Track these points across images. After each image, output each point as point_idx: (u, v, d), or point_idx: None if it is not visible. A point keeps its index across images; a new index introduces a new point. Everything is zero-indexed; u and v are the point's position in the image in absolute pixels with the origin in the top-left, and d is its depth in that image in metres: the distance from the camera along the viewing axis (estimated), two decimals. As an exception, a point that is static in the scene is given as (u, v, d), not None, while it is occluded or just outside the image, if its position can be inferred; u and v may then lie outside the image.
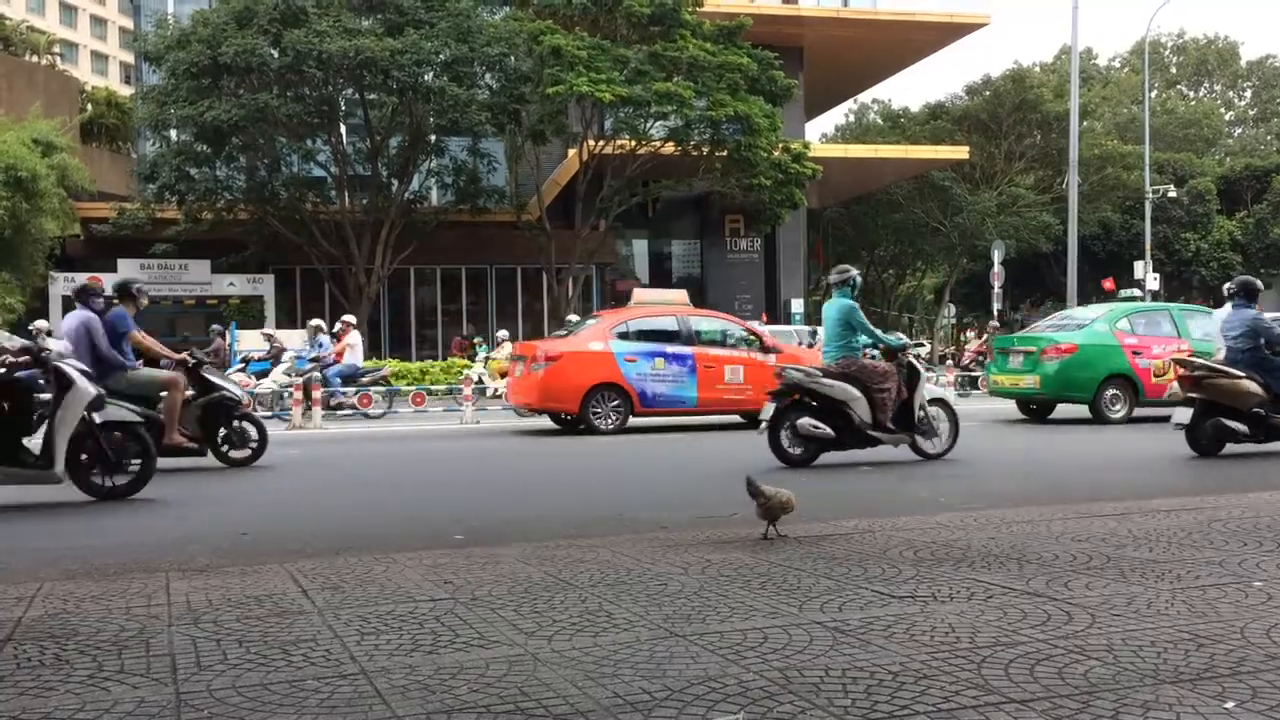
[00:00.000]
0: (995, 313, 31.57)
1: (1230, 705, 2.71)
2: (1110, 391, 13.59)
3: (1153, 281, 34.18)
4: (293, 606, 4.03)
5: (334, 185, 26.99)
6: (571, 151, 27.22)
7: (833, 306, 9.49)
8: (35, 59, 44.78)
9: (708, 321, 14.37)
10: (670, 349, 13.30)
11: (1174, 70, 64.62)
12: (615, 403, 13.00)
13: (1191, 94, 63.75)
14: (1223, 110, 63.09)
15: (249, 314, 28.10)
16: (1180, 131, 53.15)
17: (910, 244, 45.00)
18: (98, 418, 7.51)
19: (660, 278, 35.35)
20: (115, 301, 9.39)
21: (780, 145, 26.01)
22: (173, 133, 25.91)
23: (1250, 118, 64.93)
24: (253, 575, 4.65)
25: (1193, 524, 5.42)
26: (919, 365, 9.74)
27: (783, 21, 31.00)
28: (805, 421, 9.04)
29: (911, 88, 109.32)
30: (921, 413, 9.46)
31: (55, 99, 33.40)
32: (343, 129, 26.76)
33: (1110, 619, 3.57)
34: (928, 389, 9.69)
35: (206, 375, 9.56)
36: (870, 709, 2.73)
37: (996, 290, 29.98)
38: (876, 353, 9.56)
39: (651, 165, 26.51)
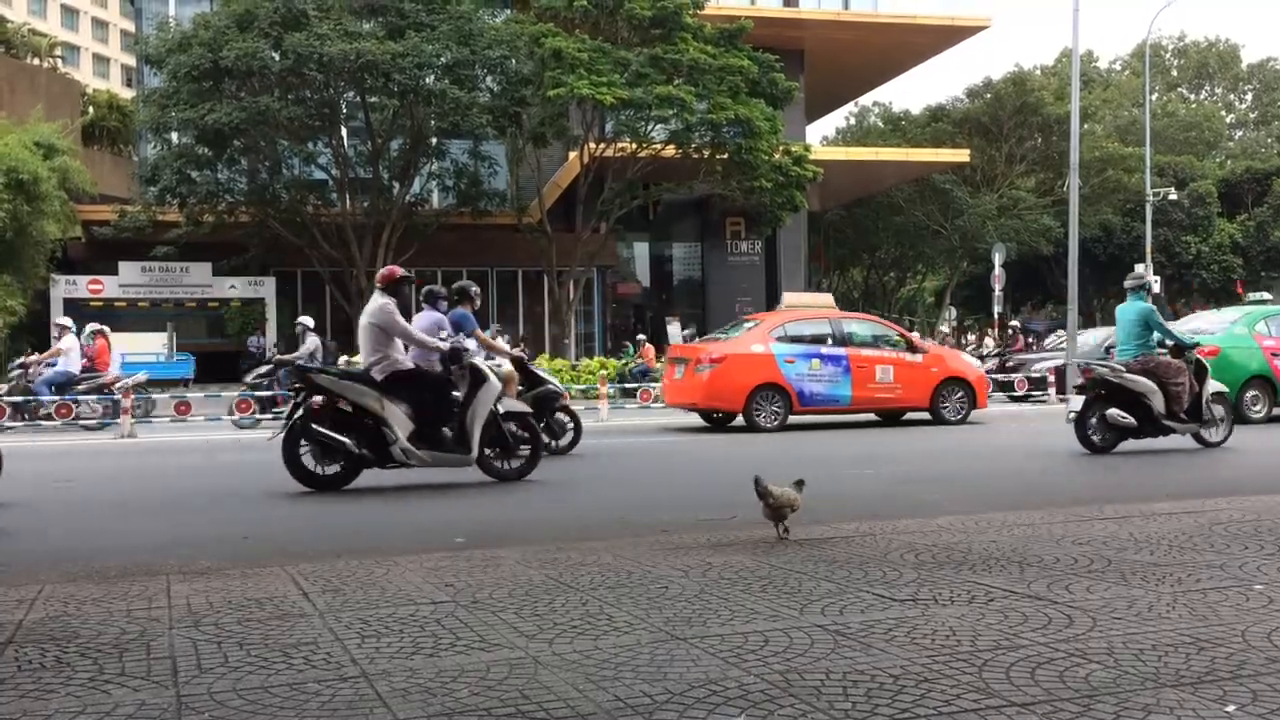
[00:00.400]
0: (997, 315, 31.54)
1: (1231, 709, 2.71)
2: (1251, 392, 13.96)
3: (1154, 284, 34.14)
4: (294, 609, 4.03)
5: (335, 188, 27.01)
6: (572, 154, 27.24)
7: (1130, 309, 10.42)
8: (37, 62, 44.77)
9: (858, 324, 15.21)
10: (825, 350, 13.93)
11: (1175, 73, 64.66)
12: (776, 402, 13.52)
13: (1192, 97, 63.79)
14: (1223, 113, 63.10)
15: (250, 316, 28.11)
16: (1181, 134, 53.16)
17: (911, 246, 45.04)
18: (501, 408, 8.50)
19: (661, 280, 35.37)
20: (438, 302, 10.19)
21: (781, 148, 26.03)
22: (174, 135, 25.94)
23: (1251, 120, 64.93)
24: (253, 578, 4.65)
25: (1193, 527, 5.41)
26: (1205, 362, 10.75)
27: (783, 24, 31.03)
28: (1114, 411, 10.08)
29: (912, 90, 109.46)
30: (1206, 405, 10.44)
31: (57, 101, 33.44)
32: (344, 132, 26.79)
33: (1111, 622, 3.57)
34: (1209, 384, 10.61)
35: (534, 370, 10.45)
36: (871, 712, 2.73)
37: (997, 293, 29.97)
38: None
39: (652, 168, 26.53)
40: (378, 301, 8.25)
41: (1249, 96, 65.17)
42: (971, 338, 32.21)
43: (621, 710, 2.79)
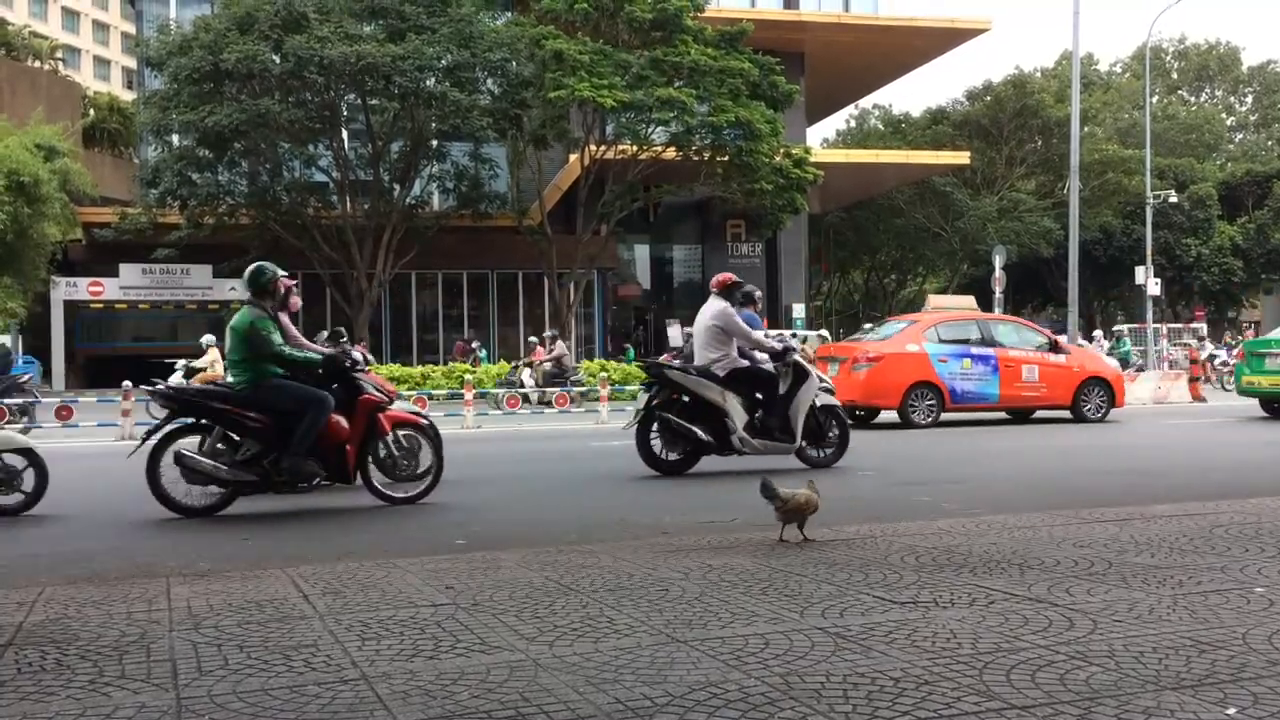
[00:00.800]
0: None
1: (1232, 711, 2.71)
2: None
3: (1154, 287, 34.10)
4: (294, 611, 4.03)
5: (335, 190, 27.02)
6: (573, 156, 27.26)
7: None
8: (38, 64, 44.88)
9: (1004, 325, 15.90)
10: (975, 350, 14.53)
11: (1175, 75, 64.61)
12: (929, 400, 14.05)
13: (1193, 99, 63.75)
14: (1224, 115, 63.06)
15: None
16: (1181, 137, 53.16)
17: (911, 249, 45.06)
18: (818, 401, 9.26)
19: (661, 282, 35.37)
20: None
21: (781, 150, 26.04)
22: (175, 138, 25.96)
23: (1251, 123, 64.89)
24: (254, 580, 4.64)
25: (1194, 529, 5.41)
26: None
27: (784, 27, 31.06)
28: None
29: (912, 93, 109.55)
30: None
31: (58, 104, 33.48)
32: (344, 134, 26.81)
33: (1112, 625, 3.57)
34: None
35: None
36: (871, 715, 2.73)
37: (997, 295, 29.93)
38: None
39: (653, 170, 26.54)
40: (717, 305, 9.05)
41: (1249, 99, 65.12)
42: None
43: (621, 713, 2.79)
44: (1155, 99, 52.53)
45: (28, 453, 7.34)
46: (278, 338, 7.12)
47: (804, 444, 9.15)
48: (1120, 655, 3.20)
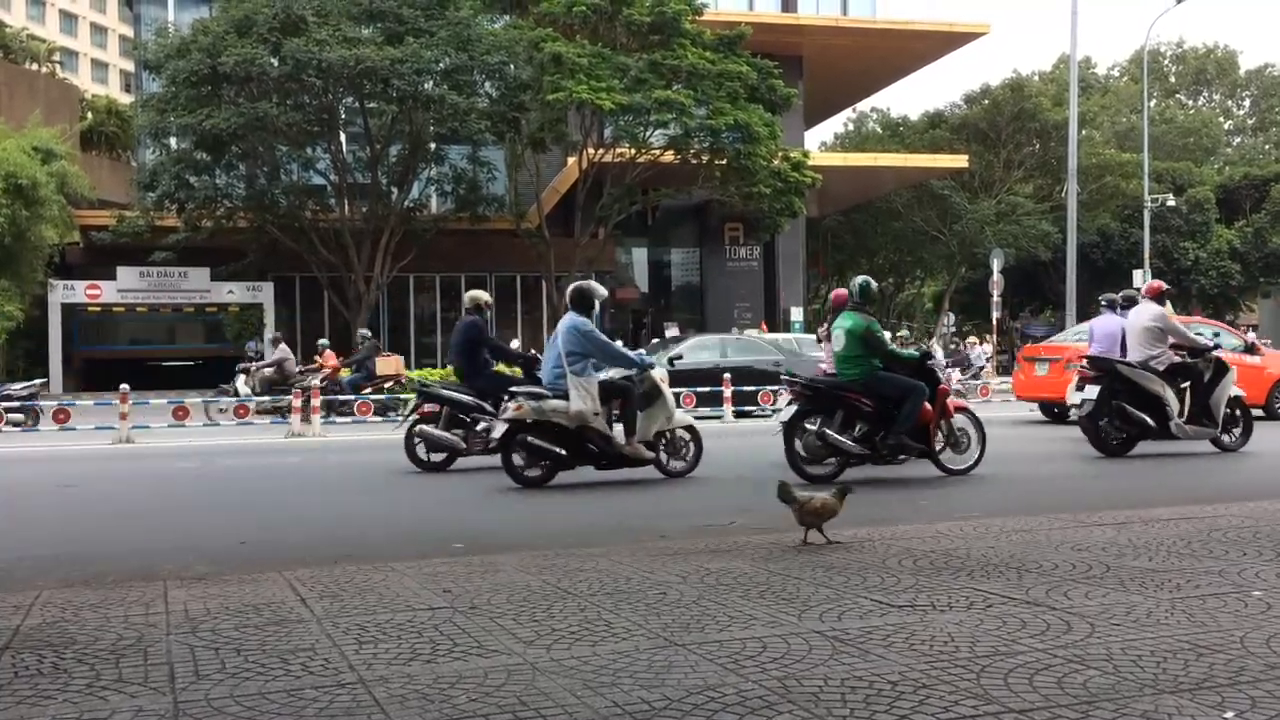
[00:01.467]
0: (995, 321, 31.52)
1: (1230, 715, 2.71)
2: None
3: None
4: (291, 615, 4.02)
5: (333, 193, 27.01)
6: (571, 159, 27.27)
7: None
8: (35, 67, 44.87)
9: (1201, 328, 16.34)
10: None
11: (1173, 79, 64.65)
12: None
13: (1190, 103, 63.78)
14: (1221, 119, 63.09)
15: (248, 322, 28.09)
16: (1179, 140, 53.18)
17: (910, 252, 45.05)
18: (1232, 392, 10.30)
19: (659, 285, 35.37)
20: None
21: (780, 154, 26.05)
22: (172, 141, 25.95)
23: (1249, 127, 64.93)
24: (251, 584, 4.64)
25: (1192, 533, 5.41)
26: None
27: (782, 30, 31.09)
28: None
29: (910, 96, 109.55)
30: None
31: (55, 107, 33.44)
32: (342, 137, 26.79)
33: (1109, 628, 3.57)
34: None
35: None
36: (869, 718, 2.72)
37: (995, 299, 29.99)
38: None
39: (651, 173, 26.56)
40: (1155, 308, 10.27)
41: (1246, 103, 65.14)
42: (973, 340, 32.78)
43: (619, 716, 2.78)
44: (1153, 102, 52.56)
45: (690, 429, 9.01)
46: (886, 336, 8.52)
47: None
48: (1118, 659, 3.20)
